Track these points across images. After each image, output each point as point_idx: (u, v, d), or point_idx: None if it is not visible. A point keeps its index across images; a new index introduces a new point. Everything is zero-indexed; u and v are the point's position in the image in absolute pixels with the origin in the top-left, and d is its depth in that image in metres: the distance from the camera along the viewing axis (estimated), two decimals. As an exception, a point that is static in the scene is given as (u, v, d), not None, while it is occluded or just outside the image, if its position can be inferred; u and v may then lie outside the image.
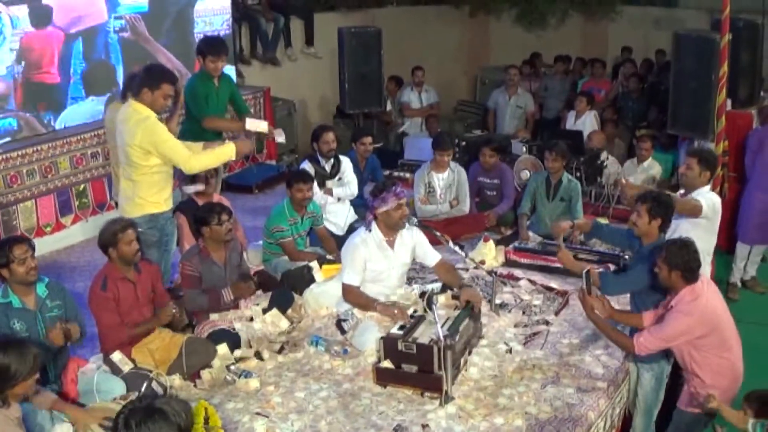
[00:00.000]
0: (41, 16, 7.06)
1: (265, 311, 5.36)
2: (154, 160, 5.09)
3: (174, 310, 4.90)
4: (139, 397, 4.23)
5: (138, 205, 5.20)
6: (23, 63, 6.98)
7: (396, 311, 5.09)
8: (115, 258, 4.72)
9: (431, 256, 5.45)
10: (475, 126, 10.82)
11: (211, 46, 6.55)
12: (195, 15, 8.81)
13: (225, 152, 5.34)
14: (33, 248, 4.43)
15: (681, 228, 5.27)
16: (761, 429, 4.06)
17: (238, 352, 4.95)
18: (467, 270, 6.14)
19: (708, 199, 5.34)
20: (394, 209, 5.18)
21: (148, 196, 5.19)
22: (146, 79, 5.15)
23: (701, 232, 5.27)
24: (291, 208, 6.19)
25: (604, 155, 8.13)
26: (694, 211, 5.27)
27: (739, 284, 7.39)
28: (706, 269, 5.31)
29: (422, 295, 5.23)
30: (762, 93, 8.23)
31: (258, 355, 4.95)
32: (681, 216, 5.31)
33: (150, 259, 5.13)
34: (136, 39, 8.13)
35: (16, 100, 7.05)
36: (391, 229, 5.29)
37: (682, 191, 5.62)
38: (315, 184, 6.50)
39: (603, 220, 7.22)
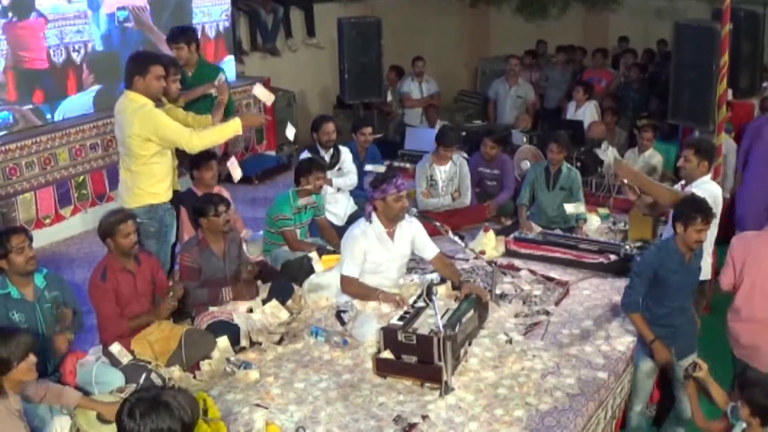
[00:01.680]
0: (23, 6, 6.96)
1: (264, 302, 5.34)
2: (152, 149, 5.07)
3: (171, 296, 4.80)
4: (146, 387, 4.22)
5: (137, 196, 5.18)
6: (9, 52, 6.90)
7: (398, 299, 5.09)
8: (113, 249, 4.71)
9: (429, 249, 5.44)
10: (475, 116, 10.83)
11: (169, 35, 6.53)
12: (194, 6, 8.76)
13: (230, 127, 5.25)
14: (30, 238, 4.43)
15: None
16: (735, 411, 3.85)
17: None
18: (467, 260, 6.14)
19: (706, 190, 5.29)
20: (394, 200, 5.17)
21: (146, 187, 5.17)
22: (134, 67, 5.12)
23: None
24: (296, 198, 6.17)
25: (604, 145, 8.10)
26: None
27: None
28: (707, 260, 5.29)
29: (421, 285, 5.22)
30: (764, 83, 8.20)
31: (256, 344, 4.94)
32: None
33: (149, 250, 5.12)
34: (140, 29, 8.09)
35: (9, 90, 6.98)
36: (391, 220, 5.27)
37: (683, 182, 5.60)
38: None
39: (604, 211, 7.24)
